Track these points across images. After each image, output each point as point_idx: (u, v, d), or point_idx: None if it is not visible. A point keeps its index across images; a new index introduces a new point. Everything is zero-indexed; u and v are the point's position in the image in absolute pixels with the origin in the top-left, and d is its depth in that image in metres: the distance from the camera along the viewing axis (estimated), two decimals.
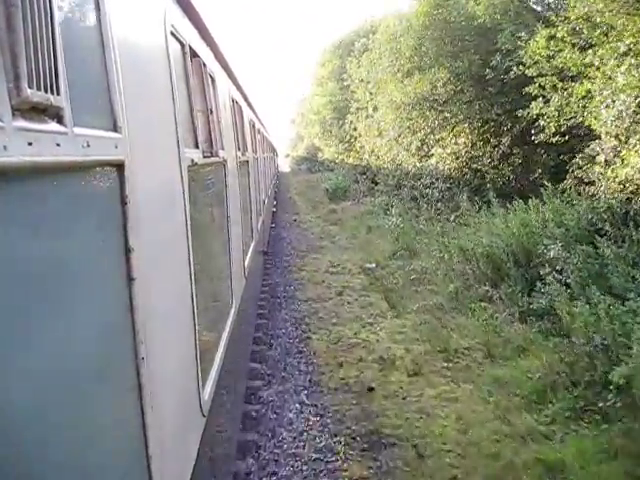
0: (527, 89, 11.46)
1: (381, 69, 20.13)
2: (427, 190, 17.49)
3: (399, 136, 19.79)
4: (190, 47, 3.17)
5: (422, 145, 18.92)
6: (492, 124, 15.76)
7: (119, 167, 1.67)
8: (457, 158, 17.08)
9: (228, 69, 5.48)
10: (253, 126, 9.19)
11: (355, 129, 29.55)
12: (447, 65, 15.89)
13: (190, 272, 2.58)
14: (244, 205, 6.29)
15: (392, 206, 18.81)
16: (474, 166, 16.40)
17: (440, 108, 17.06)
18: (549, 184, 11.03)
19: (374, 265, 13.48)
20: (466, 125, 16.54)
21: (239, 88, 6.85)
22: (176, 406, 2.21)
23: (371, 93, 24.27)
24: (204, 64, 3.66)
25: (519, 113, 12.25)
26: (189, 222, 2.60)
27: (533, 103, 11.37)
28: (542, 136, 11.44)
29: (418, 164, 19.23)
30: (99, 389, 1.59)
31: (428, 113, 17.56)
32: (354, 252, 15.72)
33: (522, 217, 10.66)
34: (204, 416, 2.81)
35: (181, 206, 2.51)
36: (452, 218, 14.63)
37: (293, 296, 11.54)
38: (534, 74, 11.18)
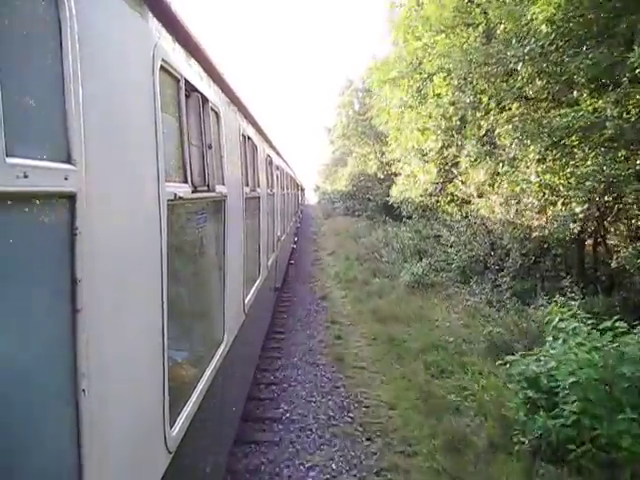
0: None
1: None
2: None
3: None
4: (187, 82, 3.22)
5: None
6: None
7: (70, 198, 1.69)
8: None
9: (241, 106, 5.57)
10: (270, 163, 9.30)
11: None
12: None
13: (161, 304, 2.57)
14: (250, 241, 6.31)
15: None
16: None
17: None
18: None
19: None
20: None
21: (254, 125, 6.96)
22: (126, 440, 2.17)
23: None
24: (205, 100, 3.73)
25: None
26: (166, 253, 2.61)
27: None
28: None
29: None
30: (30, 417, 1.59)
31: None
32: None
33: None
34: (170, 452, 2.77)
35: (156, 238, 2.52)
36: None
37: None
38: None
